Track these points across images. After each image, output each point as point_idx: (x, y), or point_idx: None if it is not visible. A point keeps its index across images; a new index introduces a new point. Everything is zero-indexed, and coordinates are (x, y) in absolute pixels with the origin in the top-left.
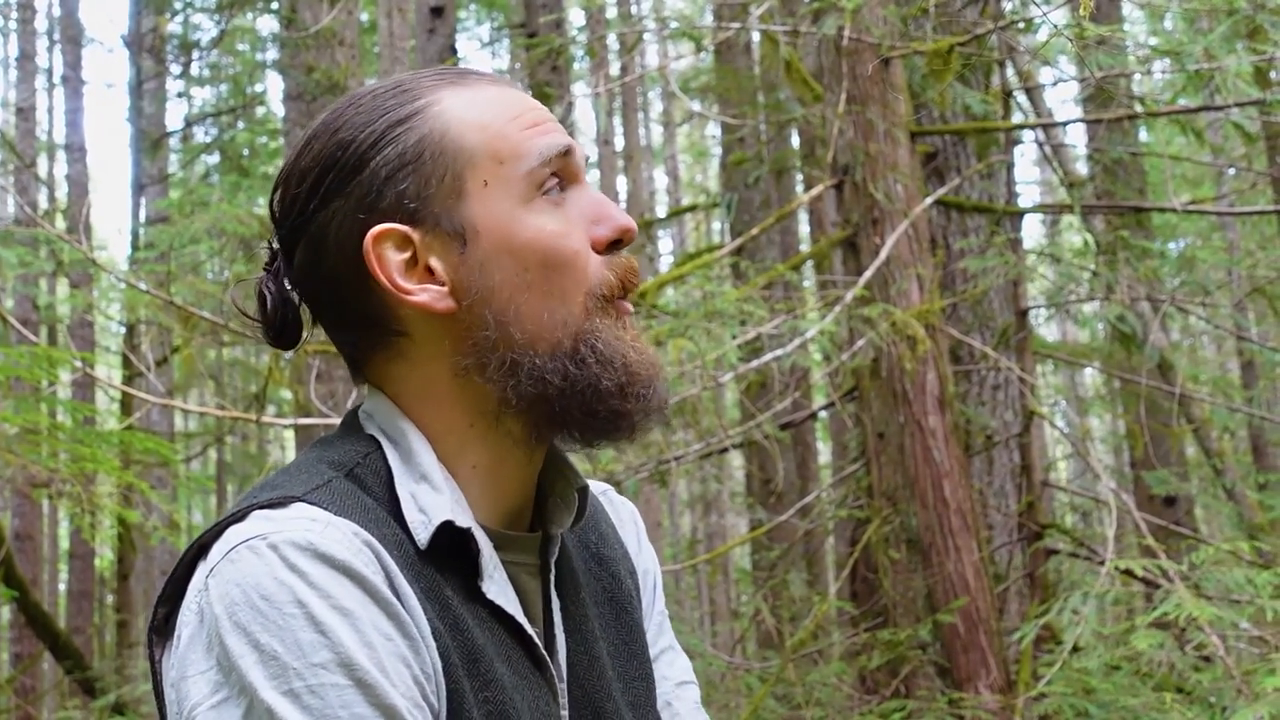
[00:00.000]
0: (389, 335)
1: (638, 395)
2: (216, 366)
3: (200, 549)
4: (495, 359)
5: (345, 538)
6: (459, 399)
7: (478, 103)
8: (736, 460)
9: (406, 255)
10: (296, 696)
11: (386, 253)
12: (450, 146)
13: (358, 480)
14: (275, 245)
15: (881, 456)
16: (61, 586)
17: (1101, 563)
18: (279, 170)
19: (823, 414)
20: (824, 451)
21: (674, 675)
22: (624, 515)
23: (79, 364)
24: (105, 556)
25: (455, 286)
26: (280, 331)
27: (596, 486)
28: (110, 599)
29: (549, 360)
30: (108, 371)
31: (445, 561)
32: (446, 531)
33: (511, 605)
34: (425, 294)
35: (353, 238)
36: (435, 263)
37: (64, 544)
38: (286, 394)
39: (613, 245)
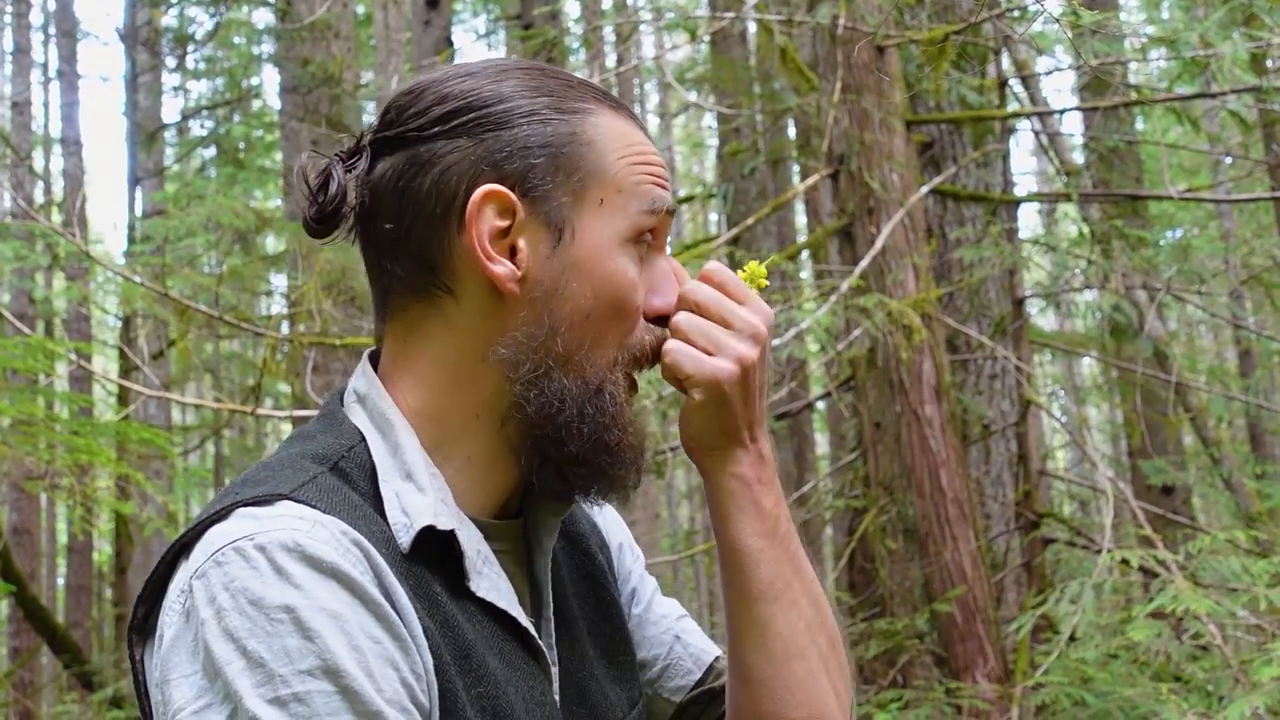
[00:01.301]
0: (436, 288)
1: (625, 463)
2: (213, 359)
3: (182, 548)
4: (531, 361)
5: (333, 537)
6: (476, 384)
7: (624, 134)
8: None
9: (503, 224)
10: (283, 704)
11: (488, 211)
12: (590, 155)
13: (343, 475)
14: (365, 142)
15: (878, 446)
16: (60, 581)
17: (1099, 551)
18: (417, 80)
19: (820, 404)
20: (821, 442)
21: (672, 612)
22: None
23: (74, 356)
24: (103, 551)
25: (529, 276)
26: (328, 216)
27: None
28: (108, 593)
29: (574, 387)
30: (104, 364)
31: (432, 558)
32: (429, 534)
33: (505, 600)
34: (502, 267)
35: (460, 178)
36: (523, 245)
37: (62, 538)
38: (283, 387)
39: (659, 319)
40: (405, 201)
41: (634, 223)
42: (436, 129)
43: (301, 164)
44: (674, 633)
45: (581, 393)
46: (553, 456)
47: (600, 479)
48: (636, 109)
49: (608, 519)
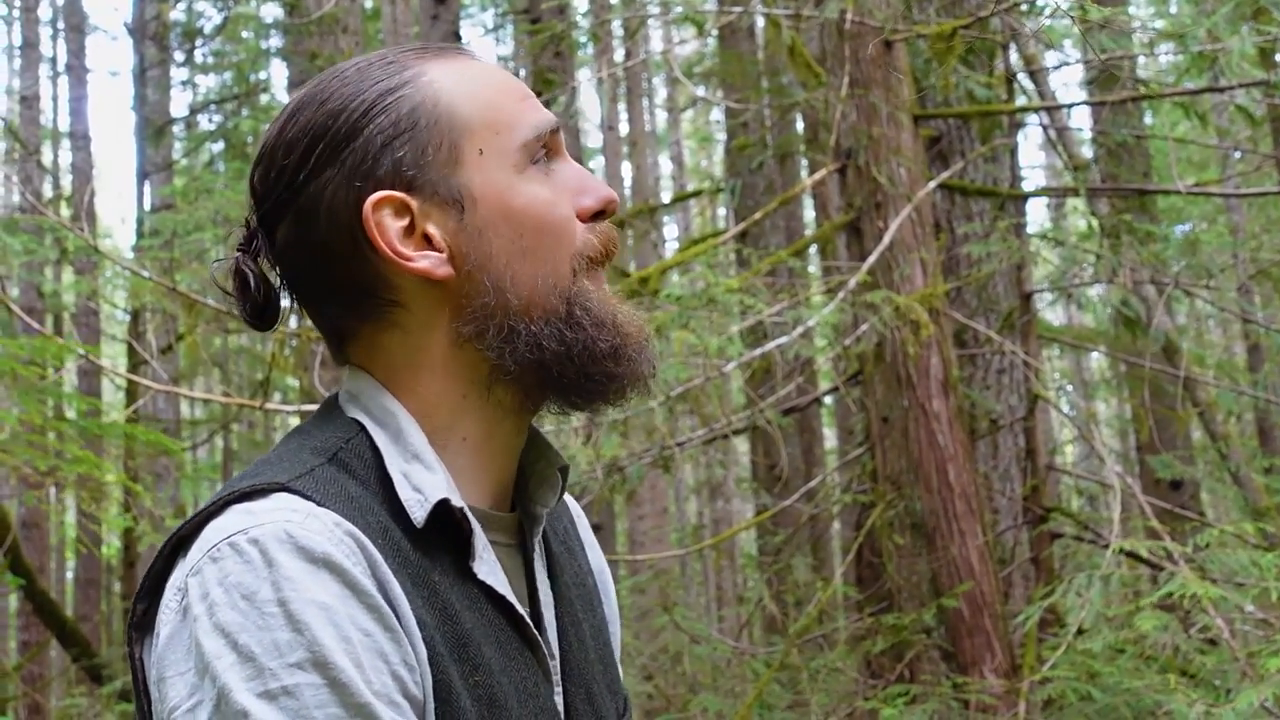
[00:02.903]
0: (382, 306)
1: (630, 358)
2: (221, 353)
3: (179, 543)
4: (494, 326)
5: (326, 528)
6: (453, 368)
7: (466, 75)
8: (742, 446)
9: (404, 223)
10: (272, 698)
11: (385, 220)
12: (444, 115)
13: (343, 465)
14: (254, 224)
15: (886, 441)
16: (69, 574)
17: (1106, 546)
18: (261, 146)
19: (827, 399)
20: (829, 436)
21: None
22: (580, 518)
23: (82, 354)
24: (112, 545)
25: (454, 253)
26: (262, 311)
27: None
28: (117, 587)
29: (544, 325)
30: (113, 360)
31: (436, 542)
32: (441, 511)
33: (502, 586)
34: (425, 260)
35: (347, 206)
36: (433, 230)
37: (71, 532)
38: (292, 381)
39: (597, 215)
40: (313, 253)
41: (523, 153)
42: (301, 176)
43: (214, 274)
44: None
45: (554, 326)
46: (558, 387)
47: (612, 381)
48: (644, 103)
49: (596, 549)
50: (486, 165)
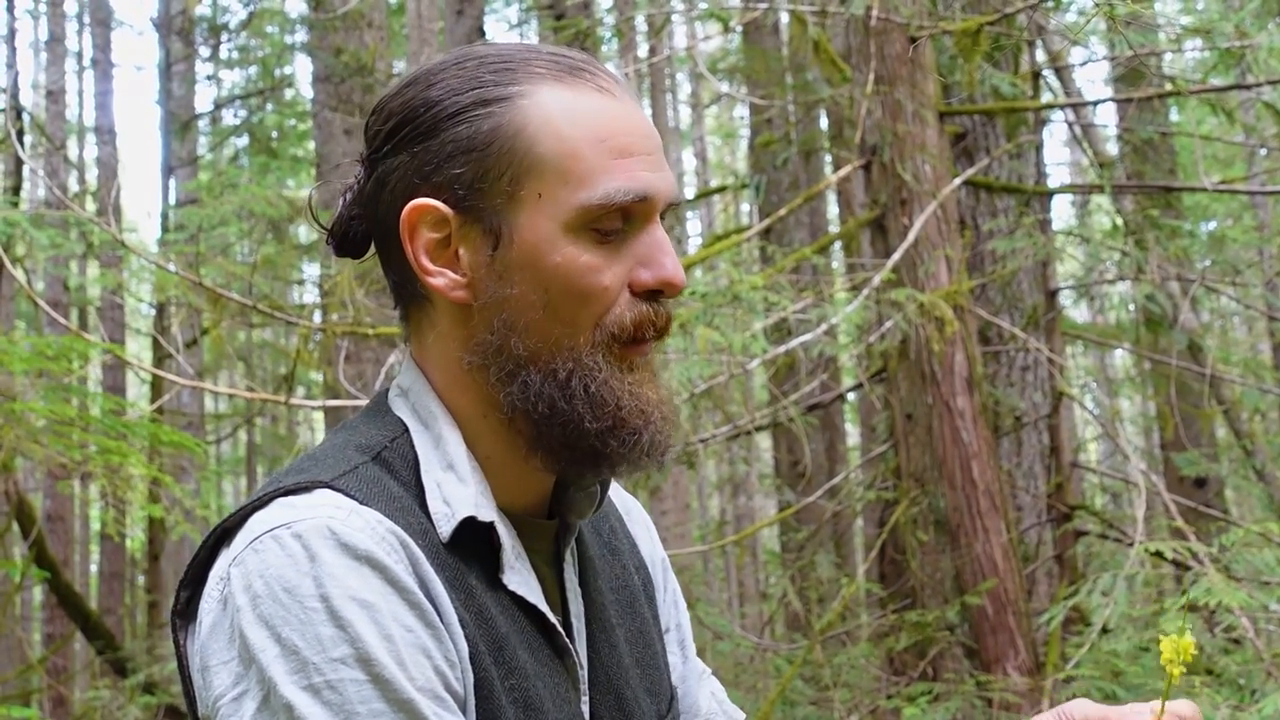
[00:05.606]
0: (419, 297)
1: (622, 440)
2: (246, 348)
3: (223, 534)
4: (496, 364)
5: (368, 525)
6: (470, 388)
7: (572, 109)
8: (765, 442)
9: (440, 236)
10: (316, 692)
11: (421, 226)
12: (520, 147)
13: (385, 465)
14: (363, 159)
15: (910, 438)
16: (93, 567)
17: (1131, 544)
18: (380, 97)
19: (851, 395)
20: (852, 433)
21: (705, 669)
22: (631, 509)
23: (106, 354)
24: (136, 538)
25: (473, 283)
26: (342, 240)
27: None
28: (141, 580)
29: (542, 383)
30: (137, 354)
31: (469, 550)
32: (469, 525)
33: (534, 595)
34: (442, 279)
35: (403, 196)
36: (464, 253)
37: (95, 525)
38: (316, 376)
39: (651, 293)
40: (375, 220)
41: (581, 214)
42: (386, 147)
43: (310, 201)
44: (718, 698)
45: (551, 387)
46: (544, 446)
47: (598, 458)
48: (668, 99)
49: (654, 540)
50: (539, 210)
